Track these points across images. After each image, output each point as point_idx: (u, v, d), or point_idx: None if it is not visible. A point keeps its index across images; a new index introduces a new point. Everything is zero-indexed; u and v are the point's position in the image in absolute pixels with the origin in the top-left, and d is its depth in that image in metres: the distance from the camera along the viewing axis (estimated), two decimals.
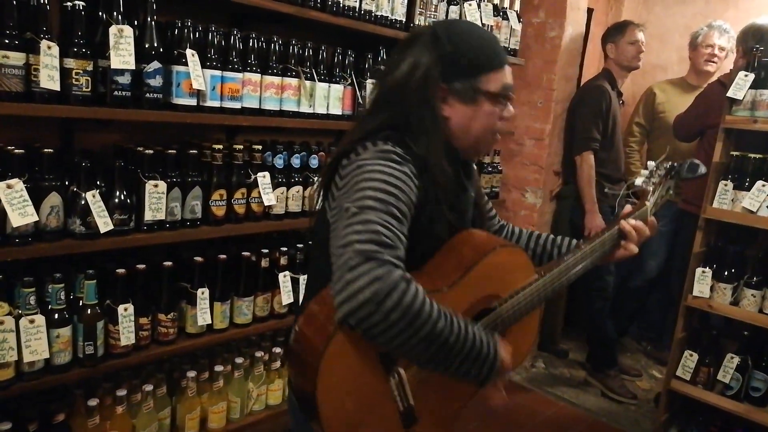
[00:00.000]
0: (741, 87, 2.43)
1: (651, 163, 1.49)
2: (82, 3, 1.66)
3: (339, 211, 1.07)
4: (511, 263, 1.30)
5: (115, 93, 1.73)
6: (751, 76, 2.41)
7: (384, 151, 1.12)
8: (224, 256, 2.15)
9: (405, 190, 1.08)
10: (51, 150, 1.69)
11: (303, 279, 2.37)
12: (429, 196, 1.17)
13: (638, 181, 1.46)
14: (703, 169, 1.48)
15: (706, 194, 2.57)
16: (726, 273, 2.53)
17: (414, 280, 1.02)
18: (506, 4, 3.06)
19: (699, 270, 2.58)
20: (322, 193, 1.25)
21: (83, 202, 1.72)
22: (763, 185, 2.37)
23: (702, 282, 2.56)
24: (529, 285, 1.30)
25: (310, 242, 2.28)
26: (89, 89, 1.69)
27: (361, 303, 0.96)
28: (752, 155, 2.45)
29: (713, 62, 3.46)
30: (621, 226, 1.43)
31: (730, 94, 2.45)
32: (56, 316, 1.73)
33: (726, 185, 2.49)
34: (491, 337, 1.13)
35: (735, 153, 2.51)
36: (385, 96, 1.23)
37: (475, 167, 1.44)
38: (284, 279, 2.30)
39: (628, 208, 1.48)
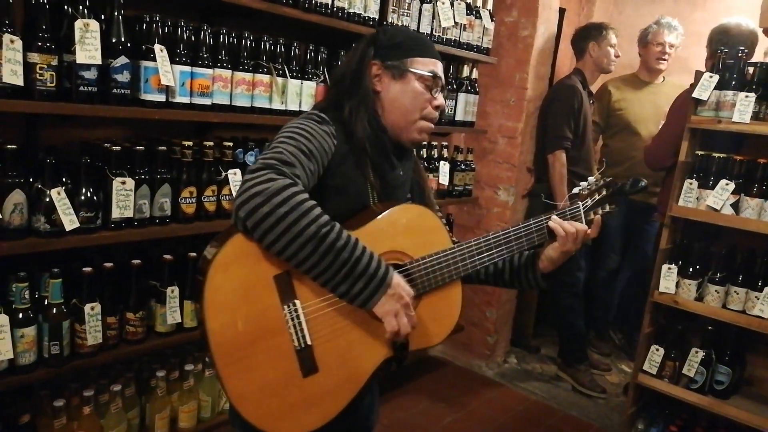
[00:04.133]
0: (706, 88, 2.48)
1: (591, 178, 1.46)
2: None
3: None
4: (422, 224, 1.35)
5: (81, 88, 1.70)
6: (716, 78, 2.46)
7: (308, 114, 1.33)
8: (194, 254, 2.13)
9: (317, 137, 1.24)
10: (14, 146, 1.65)
11: None
12: (349, 157, 1.30)
13: (575, 190, 1.46)
14: (643, 183, 1.46)
15: (672, 192, 2.62)
16: (691, 270, 2.59)
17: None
18: (479, 3, 3.08)
19: (665, 266, 2.63)
20: None
21: (48, 200, 1.69)
22: (727, 184, 2.42)
23: (668, 278, 2.62)
24: (444, 252, 1.33)
25: None
26: (54, 84, 1.66)
27: (252, 194, 1.07)
28: (716, 154, 2.51)
29: (664, 59, 3.50)
30: (549, 224, 1.38)
31: (695, 95, 2.50)
32: (20, 315, 1.70)
33: (691, 184, 2.54)
34: (385, 263, 1.18)
35: (700, 152, 2.57)
36: (330, 84, 1.43)
37: (417, 162, 1.54)
38: None
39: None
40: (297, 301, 1.18)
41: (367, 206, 1.32)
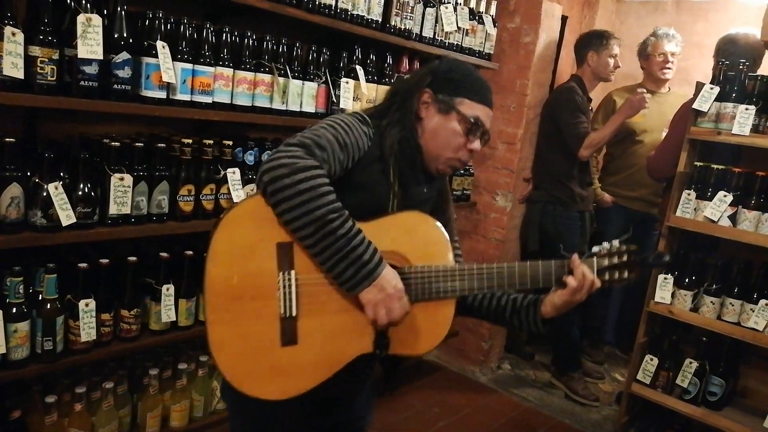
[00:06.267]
0: (706, 99, 2.49)
1: (615, 242, 1.38)
2: None
3: None
4: (427, 234, 1.33)
5: (82, 83, 1.69)
6: (716, 90, 2.47)
7: (354, 112, 1.39)
8: (191, 253, 2.12)
9: (355, 134, 1.30)
10: (12, 139, 1.64)
11: None
12: (378, 162, 1.34)
13: (595, 248, 1.38)
14: (667, 257, 1.41)
15: (670, 203, 2.63)
16: (687, 280, 2.59)
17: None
18: (482, 9, 3.08)
19: (661, 277, 2.64)
20: None
21: (45, 194, 1.67)
22: (725, 196, 2.43)
23: (664, 288, 2.62)
24: (445, 267, 1.30)
25: None
26: (54, 78, 1.65)
27: (280, 164, 1.16)
28: (715, 166, 2.51)
29: (668, 68, 3.48)
30: (571, 261, 1.32)
31: (695, 106, 2.51)
32: (14, 310, 1.68)
33: (689, 195, 2.55)
34: (382, 257, 1.21)
35: (699, 163, 2.58)
36: (385, 95, 1.49)
37: (446, 186, 1.54)
38: None
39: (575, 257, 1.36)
40: (293, 271, 1.23)
41: (385, 212, 1.33)
